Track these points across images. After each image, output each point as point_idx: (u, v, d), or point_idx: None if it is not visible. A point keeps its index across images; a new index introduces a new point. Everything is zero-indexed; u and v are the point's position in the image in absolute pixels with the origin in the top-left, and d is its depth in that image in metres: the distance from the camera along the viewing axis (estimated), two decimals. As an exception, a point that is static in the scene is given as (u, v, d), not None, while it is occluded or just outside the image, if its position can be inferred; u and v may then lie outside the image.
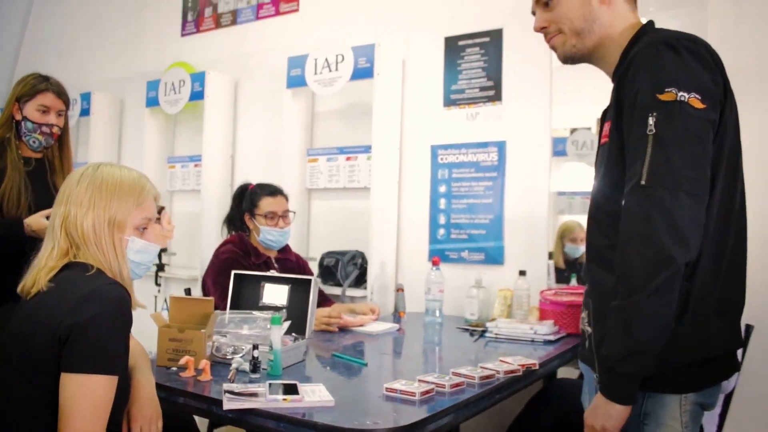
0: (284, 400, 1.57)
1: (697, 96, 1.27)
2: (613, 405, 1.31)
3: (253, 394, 1.61)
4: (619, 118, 1.40)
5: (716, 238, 1.34)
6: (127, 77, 4.86)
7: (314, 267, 3.66)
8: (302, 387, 1.68)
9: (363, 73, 3.45)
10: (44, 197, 2.39)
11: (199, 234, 4.09)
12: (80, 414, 1.39)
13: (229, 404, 1.57)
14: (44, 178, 2.54)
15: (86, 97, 4.77)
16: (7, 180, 2.38)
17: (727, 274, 1.36)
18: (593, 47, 1.51)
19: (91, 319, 1.40)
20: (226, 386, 1.67)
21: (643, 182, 1.27)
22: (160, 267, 4.14)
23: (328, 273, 3.55)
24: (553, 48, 1.57)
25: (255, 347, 1.89)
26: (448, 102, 3.41)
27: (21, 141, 2.50)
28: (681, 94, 1.26)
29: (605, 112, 1.54)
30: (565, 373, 2.89)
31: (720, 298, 1.34)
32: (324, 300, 3.06)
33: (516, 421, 2.62)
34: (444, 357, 2.54)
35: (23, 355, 1.44)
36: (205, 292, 2.84)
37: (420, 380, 1.75)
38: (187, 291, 3.29)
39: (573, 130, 3.37)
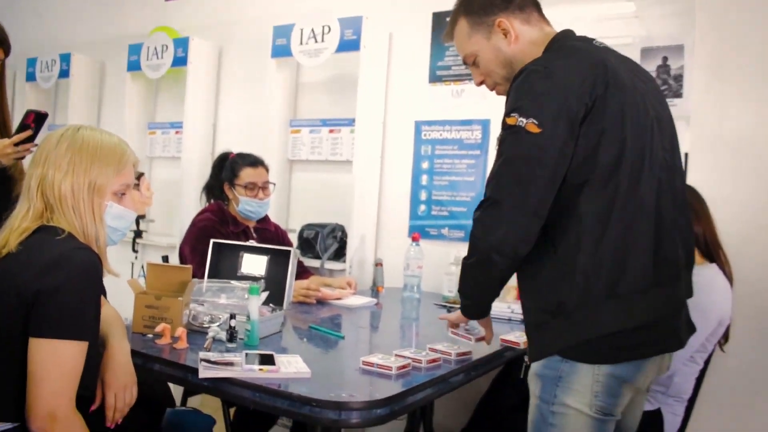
0: (260, 370, 1.57)
1: (534, 121, 1.39)
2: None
3: (229, 363, 1.60)
4: None
5: (602, 229, 1.44)
6: (108, 39, 4.76)
7: (293, 238, 3.64)
8: (279, 358, 1.68)
9: (349, 45, 3.41)
10: None
11: (178, 201, 4.05)
12: (49, 380, 1.37)
13: (204, 372, 1.56)
14: None
15: (66, 58, 4.66)
16: None
17: (619, 261, 1.45)
18: None
19: (59, 283, 1.38)
20: (202, 355, 1.67)
21: (485, 190, 1.50)
22: (138, 234, 4.10)
23: (307, 245, 3.54)
24: (501, 95, 1.69)
25: (232, 317, 1.88)
26: (434, 78, 3.39)
27: None
28: (520, 119, 1.41)
29: None
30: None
31: (608, 282, 1.44)
32: (302, 272, 3.05)
33: (483, 399, 2.66)
34: (421, 333, 2.56)
35: None
36: (183, 260, 2.82)
37: (397, 355, 1.76)
38: (165, 258, 3.27)
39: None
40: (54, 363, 1.38)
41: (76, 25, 5.04)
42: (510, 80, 1.57)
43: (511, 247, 1.44)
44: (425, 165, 3.40)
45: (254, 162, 2.95)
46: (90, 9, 4.99)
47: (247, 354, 1.67)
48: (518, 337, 2.14)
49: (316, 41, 3.47)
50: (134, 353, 1.71)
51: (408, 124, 3.45)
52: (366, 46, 3.37)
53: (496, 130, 3.20)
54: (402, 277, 3.08)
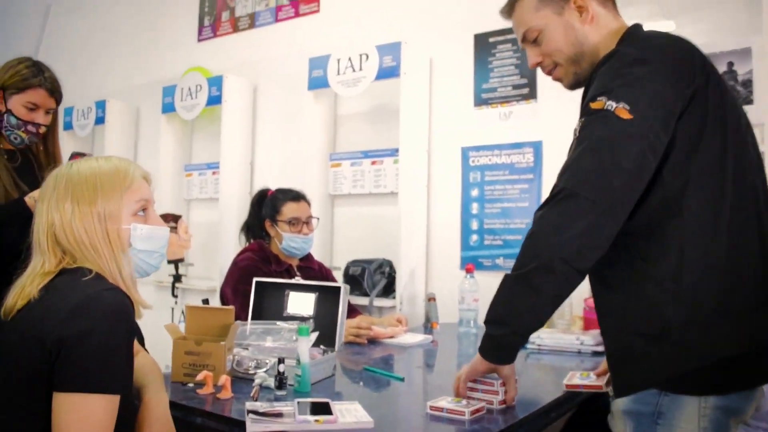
0: (317, 421, 1.37)
1: (625, 106, 1.24)
2: (479, 359, 1.46)
3: (280, 415, 1.41)
4: None
5: (710, 237, 1.26)
6: (142, 84, 4.73)
7: (338, 276, 3.47)
8: (335, 405, 1.48)
9: (388, 72, 3.27)
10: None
11: (217, 243, 3.92)
12: None
13: (253, 426, 1.37)
14: (32, 172, 2.32)
15: (101, 106, 4.65)
16: None
17: (730, 275, 1.26)
18: (591, 67, 1.47)
19: (86, 329, 1.21)
20: (249, 405, 1.48)
21: (557, 180, 1.29)
22: (177, 278, 3.97)
23: (354, 282, 3.36)
24: (557, 80, 1.57)
25: (281, 361, 1.69)
26: (480, 101, 3.23)
27: (1, 134, 2.26)
28: (609, 103, 1.25)
29: None
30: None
31: (720, 299, 1.25)
32: (350, 310, 2.87)
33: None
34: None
35: (8, 377, 1.25)
36: (224, 303, 2.66)
37: (469, 397, 1.55)
38: (205, 301, 3.11)
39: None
40: (81, 420, 1.20)
41: (110, 73, 5.04)
42: (575, 63, 1.47)
43: (583, 252, 1.25)
44: (475, 192, 3.21)
45: (296, 196, 2.81)
46: (124, 55, 4.99)
47: (299, 402, 1.47)
48: (594, 380, 1.82)
49: (353, 70, 3.34)
50: (173, 405, 1.53)
51: (454, 151, 3.28)
52: (406, 72, 3.23)
53: (549, 152, 3.04)
54: (456, 312, 2.88)
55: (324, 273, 2.93)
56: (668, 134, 1.24)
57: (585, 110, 1.30)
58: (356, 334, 2.49)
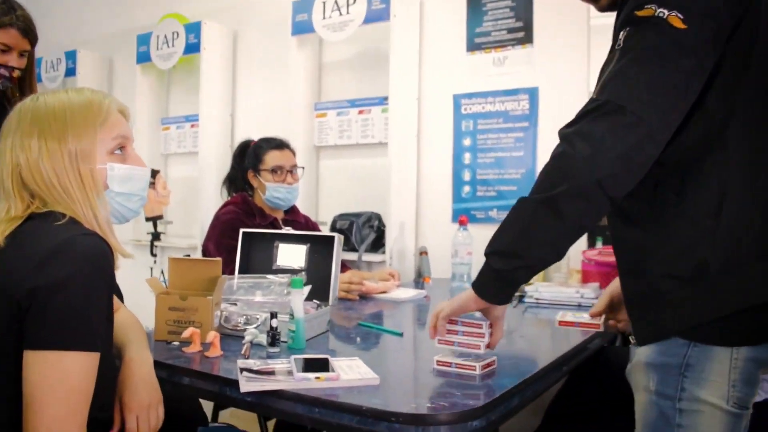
0: (317, 378, 1.25)
1: (678, 15, 1.08)
2: (471, 295, 1.28)
3: (278, 372, 1.29)
4: None
5: (754, 173, 1.15)
6: (116, 33, 4.49)
7: (326, 231, 3.34)
8: (335, 362, 1.37)
9: (377, 15, 3.10)
10: None
11: (197, 199, 3.76)
12: (51, 403, 1.07)
13: (247, 386, 1.25)
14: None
15: (71, 56, 4.42)
16: None
17: None
18: None
19: (60, 279, 1.08)
20: (241, 363, 1.36)
21: (594, 95, 1.14)
22: (156, 236, 3.81)
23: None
24: (589, 1, 1.39)
25: (273, 316, 1.56)
26: (472, 46, 3.07)
27: None
28: (660, 10, 1.10)
29: None
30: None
31: (761, 240, 1.14)
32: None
33: (556, 399, 2.33)
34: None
35: None
36: (208, 259, 2.52)
37: (447, 341, 1.42)
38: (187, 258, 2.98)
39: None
40: (57, 381, 1.07)
41: (80, 21, 4.78)
42: None
43: (621, 177, 1.10)
44: (467, 142, 3.08)
45: (280, 144, 2.66)
46: (94, 2, 4.72)
47: (296, 359, 1.35)
48: (587, 320, 1.80)
49: (340, 14, 3.17)
50: (158, 365, 1.41)
51: (446, 99, 3.14)
52: (396, 15, 3.06)
53: (545, 99, 2.91)
54: (449, 266, 2.77)
55: (311, 227, 2.80)
56: (717, 54, 1.10)
57: (629, 19, 1.13)
58: (347, 289, 2.38)
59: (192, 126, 3.98)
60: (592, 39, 2.76)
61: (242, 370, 1.31)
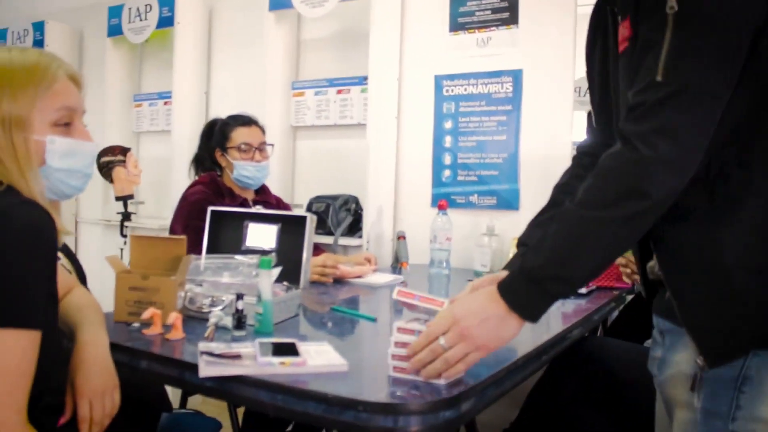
0: (282, 364, 1.17)
1: None
2: (511, 316, 1.06)
3: (239, 357, 1.21)
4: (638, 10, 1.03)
5: None
6: (86, 4, 4.33)
7: (300, 213, 3.26)
8: (303, 347, 1.28)
9: (358, -9, 3.00)
10: None
11: (169, 179, 3.64)
12: None
13: (206, 370, 1.16)
14: None
15: (39, 27, 4.24)
16: None
17: None
18: None
19: None
20: (202, 346, 1.27)
21: (659, 78, 0.95)
22: (127, 216, 3.69)
23: (317, 220, 3.13)
24: None
25: (239, 297, 1.48)
26: (456, 26, 2.98)
27: None
28: None
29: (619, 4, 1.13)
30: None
31: None
32: (313, 248, 2.67)
33: (536, 387, 2.27)
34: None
35: None
36: (175, 240, 2.42)
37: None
38: (156, 239, 2.87)
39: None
40: None
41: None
42: None
43: (690, 160, 0.95)
44: (448, 125, 2.99)
45: (248, 121, 2.57)
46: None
47: (260, 343, 1.27)
48: None
49: (319, -11, 3.06)
50: (116, 347, 1.32)
51: (427, 80, 3.04)
52: (377, -10, 2.96)
53: (529, 82, 2.82)
54: (428, 252, 2.70)
55: (282, 208, 2.71)
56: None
57: None
58: (321, 273, 2.30)
59: (165, 103, 3.86)
60: (579, 22, 2.69)
61: (203, 353, 1.22)
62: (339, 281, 2.35)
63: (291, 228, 1.93)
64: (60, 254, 2.04)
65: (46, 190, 1.17)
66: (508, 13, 2.84)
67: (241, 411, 2.27)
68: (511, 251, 2.67)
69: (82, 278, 2.10)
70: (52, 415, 1.20)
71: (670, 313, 1.08)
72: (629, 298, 2.47)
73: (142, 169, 3.69)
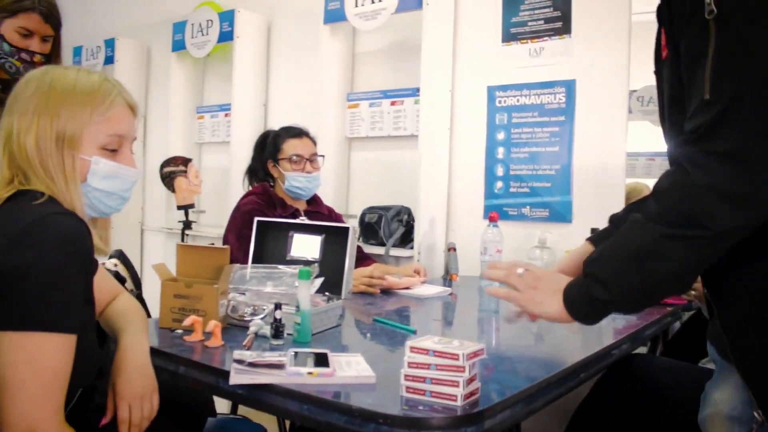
0: (310, 374, 1.19)
1: None
2: (558, 296, 1.09)
3: (272, 366, 1.23)
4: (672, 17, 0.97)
5: None
6: (154, 22, 4.51)
7: (353, 224, 3.28)
8: (335, 358, 1.30)
9: (410, 3, 3.02)
10: None
11: (228, 189, 3.73)
12: (23, 386, 1.03)
13: (236, 378, 1.19)
14: None
15: (110, 44, 4.44)
16: None
17: None
18: None
19: (30, 259, 1.04)
20: (237, 354, 1.30)
21: (707, 96, 0.86)
22: (187, 224, 3.80)
23: (369, 230, 3.16)
24: None
25: (278, 307, 1.51)
26: (508, 37, 2.96)
27: None
28: None
29: (659, 10, 1.08)
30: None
31: None
32: (363, 258, 2.69)
33: (582, 404, 2.21)
34: (502, 327, 2.14)
35: None
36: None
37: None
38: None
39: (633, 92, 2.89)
40: (28, 363, 1.04)
41: (120, 9, 4.81)
42: None
43: (757, 187, 0.85)
44: (501, 136, 2.97)
45: (299, 133, 2.62)
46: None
47: (296, 353, 1.29)
48: None
49: (372, 1, 3.09)
50: (156, 352, 1.37)
51: (479, 91, 3.03)
52: (429, 3, 2.97)
53: (582, 92, 2.78)
54: (478, 264, 2.67)
55: (334, 218, 2.74)
56: None
57: None
58: (368, 283, 2.31)
59: (226, 115, 3.96)
60: (634, 30, 2.63)
61: (235, 361, 1.25)
62: (386, 292, 2.36)
63: (335, 239, 1.95)
64: (116, 260, 2.13)
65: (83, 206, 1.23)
66: (561, 23, 2.81)
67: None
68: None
69: (137, 284, 2.18)
70: (100, 415, 1.26)
71: (721, 345, 1.03)
72: (687, 315, 2.39)
73: (202, 179, 3.80)
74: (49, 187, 1.17)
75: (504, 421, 1.12)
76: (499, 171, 2.98)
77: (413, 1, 3.00)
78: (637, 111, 4.02)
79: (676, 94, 1.01)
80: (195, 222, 3.95)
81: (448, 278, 2.75)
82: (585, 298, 1.04)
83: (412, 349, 1.12)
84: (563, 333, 1.79)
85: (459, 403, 1.06)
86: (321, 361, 1.26)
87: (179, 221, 3.82)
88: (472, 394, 1.10)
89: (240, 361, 1.24)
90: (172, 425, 1.61)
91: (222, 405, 1.91)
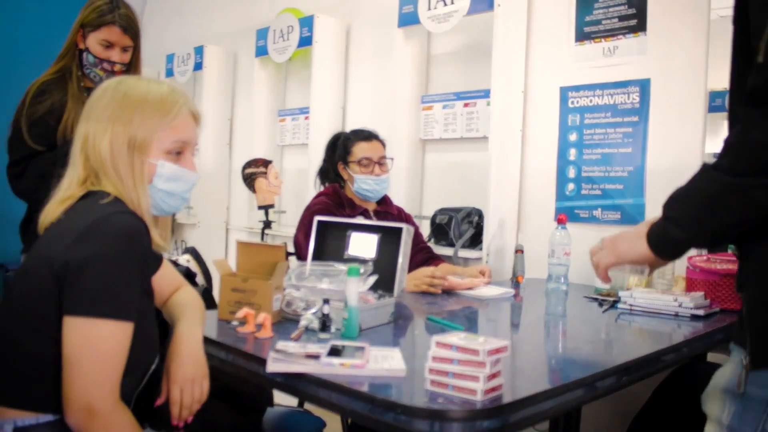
0: (342, 365, 1.24)
1: None
2: (644, 248, 1.14)
3: (308, 356, 1.29)
4: None
5: None
6: (239, 29, 4.69)
7: (425, 225, 3.31)
8: (374, 352, 1.34)
9: (481, 5, 3.02)
10: None
11: (307, 190, 3.84)
12: (84, 366, 1.15)
13: (273, 366, 1.26)
14: None
15: (199, 51, 4.65)
16: (68, 112, 2.17)
17: None
18: None
19: (92, 253, 1.16)
20: (280, 345, 1.37)
21: (760, 59, 0.92)
22: (267, 224, 3.94)
23: (440, 232, 3.19)
24: None
25: (326, 302, 1.57)
26: (581, 36, 2.92)
27: (83, 73, 2.28)
28: None
29: None
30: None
31: None
32: (433, 259, 2.72)
33: (641, 413, 2.16)
34: (568, 331, 2.12)
35: (24, 298, 1.22)
36: (298, 249, 2.58)
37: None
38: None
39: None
40: (88, 346, 1.16)
41: (209, 18, 5.03)
42: None
43: None
44: (573, 137, 2.93)
45: (368, 136, 2.67)
46: (222, 1, 4.96)
47: (333, 346, 1.35)
48: None
49: (444, 4, 3.12)
50: (210, 341, 1.45)
51: (552, 91, 3.00)
52: (501, 4, 2.96)
53: (657, 92, 2.70)
54: (547, 267, 2.65)
55: (404, 219, 2.78)
56: None
57: None
58: (430, 283, 2.33)
59: (306, 118, 4.06)
60: (712, 27, 2.53)
61: (277, 350, 1.32)
62: (449, 292, 2.37)
63: (392, 238, 1.99)
64: (189, 257, 2.26)
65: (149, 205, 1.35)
66: (636, 20, 2.74)
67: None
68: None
69: (208, 279, 2.30)
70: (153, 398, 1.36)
71: (737, 337, 1.06)
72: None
73: (282, 181, 3.93)
74: (117, 188, 1.29)
75: (527, 418, 1.13)
76: (571, 173, 2.94)
77: (485, 2, 3.00)
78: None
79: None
80: (275, 222, 4.08)
81: (515, 280, 2.74)
82: (667, 238, 1.11)
83: (438, 344, 1.15)
84: (607, 336, 1.76)
85: (479, 398, 1.08)
86: (358, 353, 1.31)
87: (260, 221, 3.97)
88: (494, 389, 1.12)
89: (280, 351, 1.30)
90: (231, 412, 1.70)
91: (291, 399, 1.99)
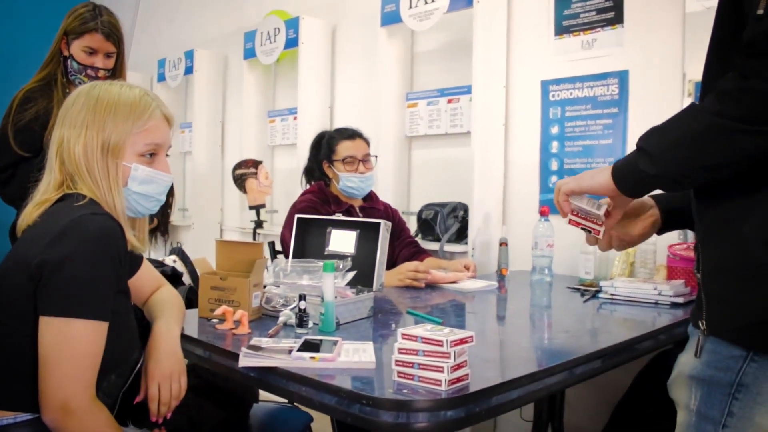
0: (312, 359, 1.27)
1: None
2: (605, 179, 1.13)
3: (280, 351, 1.32)
4: None
5: None
6: (228, 32, 4.73)
7: (413, 221, 3.34)
8: (346, 345, 1.38)
9: (461, 2, 3.05)
10: None
11: (298, 190, 3.88)
12: (59, 365, 1.18)
13: (244, 361, 1.29)
14: None
15: (190, 55, 4.69)
16: (54, 119, 2.19)
17: None
18: None
19: (66, 254, 1.19)
20: (254, 341, 1.40)
21: (759, 11, 0.90)
22: (259, 224, 3.98)
23: (426, 227, 3.22)
24: None
25: (302, 298, 1.60)
26: (561, 30, 2.95)
27: (68, 80, 2.33)
28: None
29: None
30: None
31: None
32: (420, 253, 2.75)
33: (623, 400, 2.19)
34: (549, 321, 2.15)
35: (1, 301, 1.25)
36: (284, 246, 2.61)
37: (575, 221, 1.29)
38: (271, 245, 3.10)
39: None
40: (65, 345, 1.19)
41: (199, 22, 5.07)
42: None
43: None
44: (555, 130, 2.96)
45: (352, 134, 2.70)
46: (211, 4, 4.99)
47: (306, 340, 1.38)
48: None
49: (425, 2, 3.14)
50: (189, 339, 1.49)
51: (533, 85, 3.03)
52: (479, 1, 2.99)
53: (635, 83, 2.74)
54: (531, 259, 2.68)
55: (390, 215, 2.80)
56: None
57: None
58: (413, 277, 2.36)
59: (295, 118, 4.09)
60: (688, 19, 2.56)
61: (249, 346, 1.35)
62: (433, 286, 2.40)
63: (370, 234, 2.02)
64: (175, 257, 2.29)
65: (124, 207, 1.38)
66: (613, 13, 2.77)
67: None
68: (617, 259, 2.60)
69: (194, 279, 2.33)
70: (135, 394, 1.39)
71: (693, 315, 1.07)
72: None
73: (272, 180, 3.96)
74: (93, 191, 1.32)
75: (497, 407, 1.16)
76: (554, 165, 2.97)
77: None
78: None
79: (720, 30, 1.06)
80: (266, 221, 4.12)
81: (499, 273, 2.77)
82: (633, 170, 1.08)
83: (404, 336, 1.18)
84: (610, 325, 1.79)
85: (444, 387, 1.11)
86: (330, 347, 1.34)
87: (251, 221, 4.00)
88: (459, 380, 1.14)
89: (252, 347, 1.34)
90: (216, 409, 1.74)
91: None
